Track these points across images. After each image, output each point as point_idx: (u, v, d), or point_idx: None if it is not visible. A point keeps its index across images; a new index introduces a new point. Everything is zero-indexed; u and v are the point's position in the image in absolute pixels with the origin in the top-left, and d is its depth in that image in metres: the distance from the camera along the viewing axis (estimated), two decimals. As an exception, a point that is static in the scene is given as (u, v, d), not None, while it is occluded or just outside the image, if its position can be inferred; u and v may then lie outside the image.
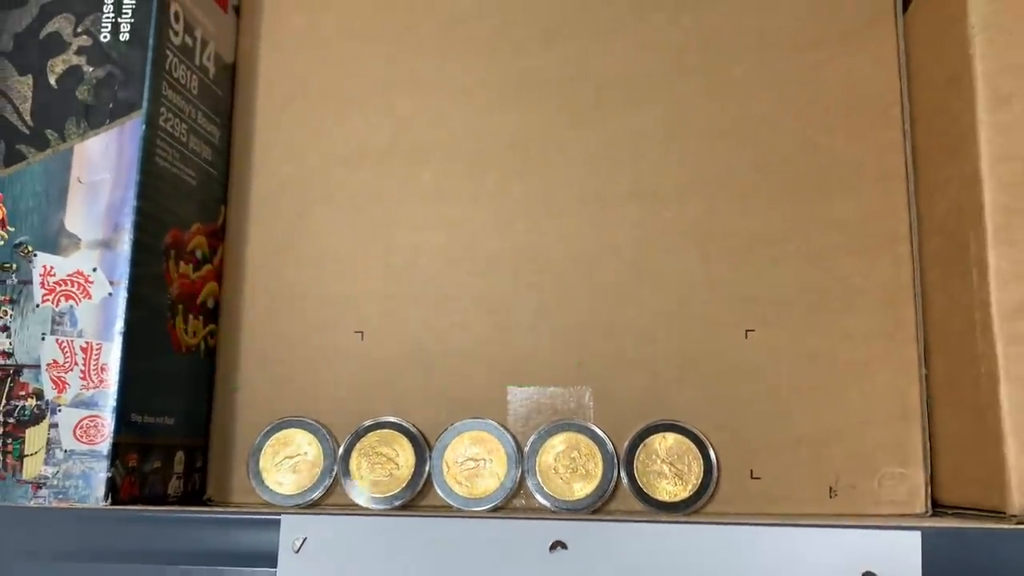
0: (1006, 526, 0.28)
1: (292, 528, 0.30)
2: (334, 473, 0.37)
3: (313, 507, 0.37)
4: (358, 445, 0.37)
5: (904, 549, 0.28)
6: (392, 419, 0.38)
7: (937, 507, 0.35)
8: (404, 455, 0.37)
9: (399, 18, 0.41)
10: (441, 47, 0.40)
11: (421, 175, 0.40)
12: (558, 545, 0.29)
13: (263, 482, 0.37)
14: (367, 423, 0.37)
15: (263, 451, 0.37)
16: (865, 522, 0.32)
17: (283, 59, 0.41)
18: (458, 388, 0.38)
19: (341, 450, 0.37)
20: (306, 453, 0.37)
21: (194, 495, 0.37)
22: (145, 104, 0.34)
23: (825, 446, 0.36)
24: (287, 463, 0.37)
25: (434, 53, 0.40)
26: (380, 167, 0.40)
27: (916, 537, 0.28)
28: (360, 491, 0.37)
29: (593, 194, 0.39)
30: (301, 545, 0.30)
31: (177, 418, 0.36)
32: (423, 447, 0.37)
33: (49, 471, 0.31)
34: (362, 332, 0.39)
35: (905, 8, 0.39)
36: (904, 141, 0.38)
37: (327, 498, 0.37)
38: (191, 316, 0.37)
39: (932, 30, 0.36)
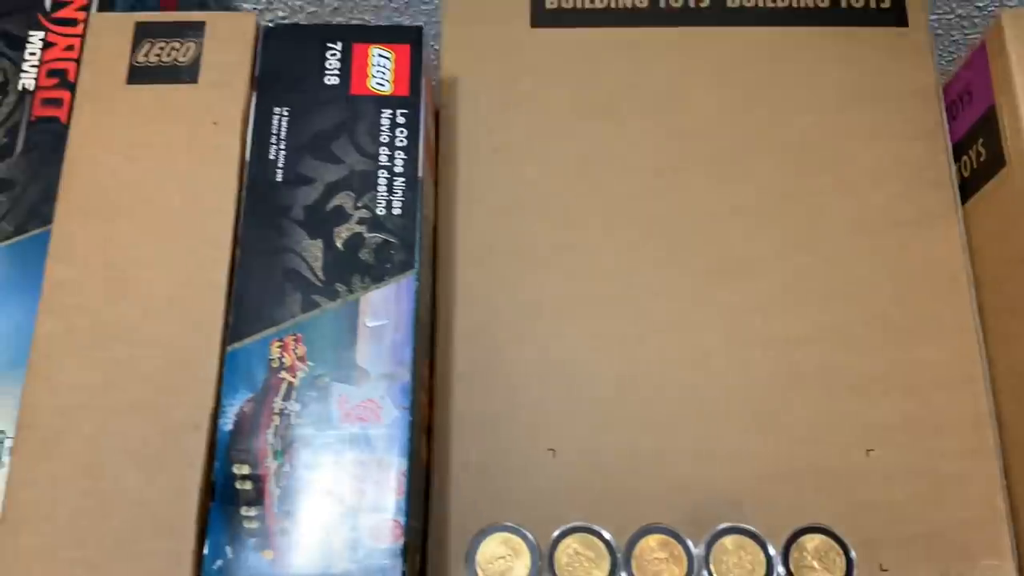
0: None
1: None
2: (538, 570, 0.44)
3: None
4: (561, 545, 0.45)
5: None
6: (583, 524, 0.45)
7: (1025, 593, 0.45)
8: (599, 555, 0.44)
9: (570, 199, 0.51)
10: (604, 224, 0.50)
11: (593, 324, 0.49)
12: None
13: (480, 579, 0.44)
14: (566, 527, 0.45)
15: (479, 551, 0.44)
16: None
17: (474, 224, 0.50)
18: (636, 497, 0.46)
19: (547, 550, 0.44)
20: (515, 553, 0.44)
21: (419, 592, 0.44)
22: (416, 265, 0.42)
23: (936, 542, 0.45)
24: (500, 563, 0.44)
25: (599, 227, 0.50)
26: (560, 314, 0.49)
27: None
28: (565, 586, 0.44)
29: (734, 340, 0.48)
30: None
31: (421, 524, 0.43)
32: (612, 547, 0.44)
33: (352, 567, 0.38)
34: (554, 450, 0.47)
35: (964, 201, 0.51)
36: (971, 301, 0.49)
37: (533, 593, 0.44)
38: (424, 436, 0.44)
39: (994, 220, 0.47)
